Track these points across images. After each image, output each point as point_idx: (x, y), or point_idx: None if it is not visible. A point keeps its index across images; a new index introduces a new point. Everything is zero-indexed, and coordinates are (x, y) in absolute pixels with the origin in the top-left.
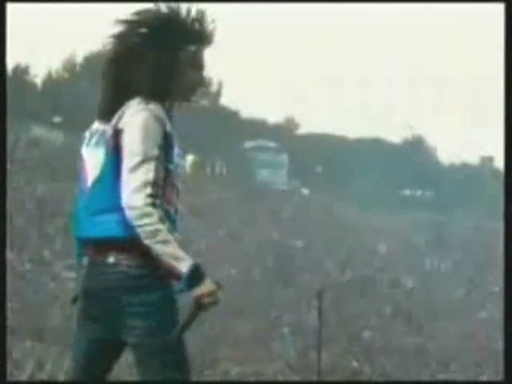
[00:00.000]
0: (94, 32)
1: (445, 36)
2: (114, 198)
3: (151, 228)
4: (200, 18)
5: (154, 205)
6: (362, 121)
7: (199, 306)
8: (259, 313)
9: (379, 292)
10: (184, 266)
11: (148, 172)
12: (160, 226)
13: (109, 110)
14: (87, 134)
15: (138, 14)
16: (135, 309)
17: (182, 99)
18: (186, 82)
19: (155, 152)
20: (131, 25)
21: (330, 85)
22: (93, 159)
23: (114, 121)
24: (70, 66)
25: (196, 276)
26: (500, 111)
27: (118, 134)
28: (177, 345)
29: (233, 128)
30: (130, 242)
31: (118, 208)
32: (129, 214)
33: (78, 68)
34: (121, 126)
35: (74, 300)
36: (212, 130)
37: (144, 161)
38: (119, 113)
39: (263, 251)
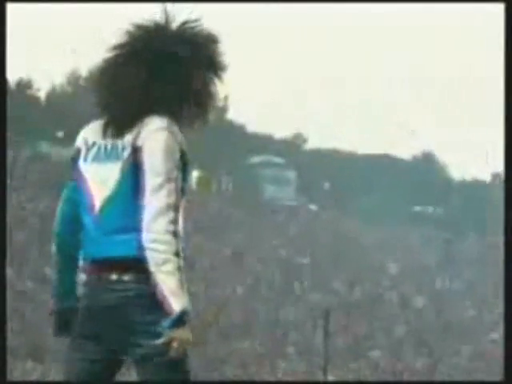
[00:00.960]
0: (94, 32)
1: (445, 36)
2: (131, 218)
3: (163, 256)
4: (217, 44)
5: (175, 234)
6: (363, 120)
7: (167, 345)
8: (265, 331)
9: (388, 311)
10: (178, 305)
11: (170, 194)
12: (171, 258)
13: (118, 127)
14: (82, 147)
15: (154, 26)
16: (144, 327)
17: (196, 121)
18: (201, 102)
19: (175, 173)
20: (147, 37)
21: (331, 85)
22: (96, 175)
23: (130, 138)
24: (73, 80)
25: (182, 319)
26: (500, 111)
27: (136, 151)
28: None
29: (239, 143)
30: (146, 262)
31: (136, 228)
32: (146, 235)
33: (81, 82)
34: (139, 143)
35: (51, 314)
36: (218, 145)
37: (166, 181)
38: (136, 130)
39: (269, 268)
